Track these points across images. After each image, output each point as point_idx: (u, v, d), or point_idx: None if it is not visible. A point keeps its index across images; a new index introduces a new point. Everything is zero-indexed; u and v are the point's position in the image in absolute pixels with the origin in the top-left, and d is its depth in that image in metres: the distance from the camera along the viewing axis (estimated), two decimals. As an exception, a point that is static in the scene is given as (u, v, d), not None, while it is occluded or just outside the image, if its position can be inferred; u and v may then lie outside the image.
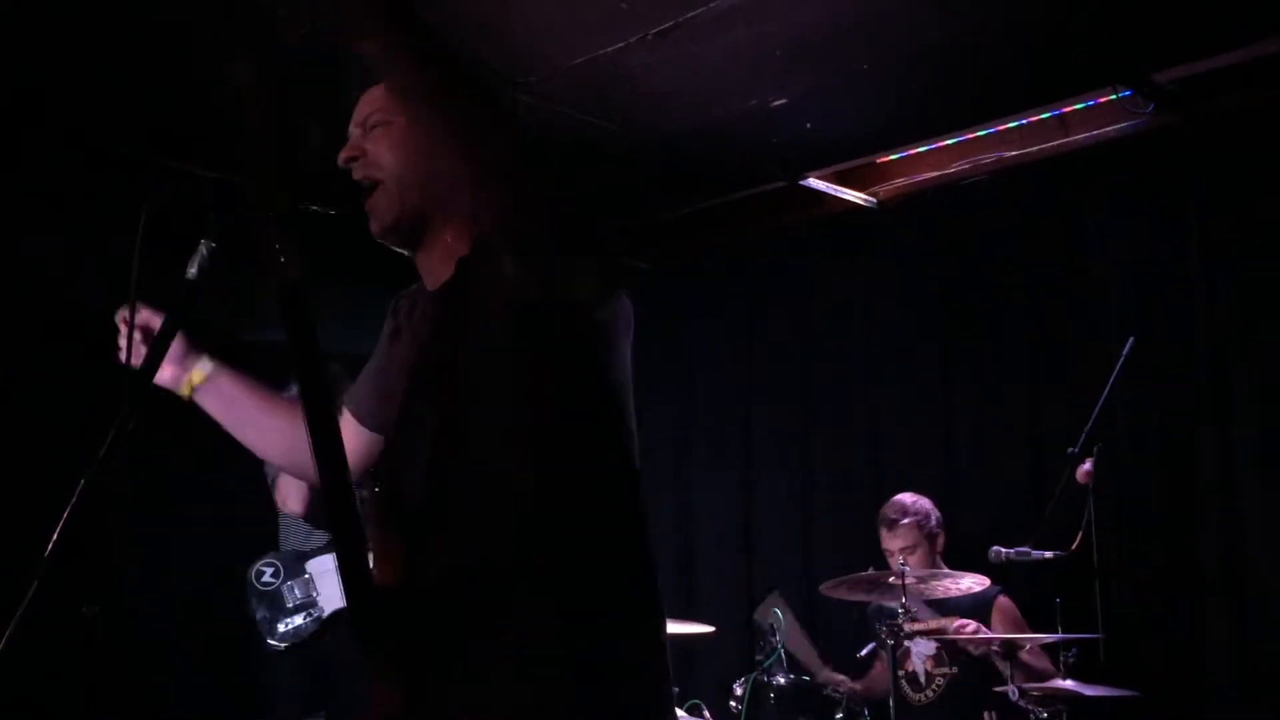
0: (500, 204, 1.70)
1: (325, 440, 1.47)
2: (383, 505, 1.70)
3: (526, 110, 4.15)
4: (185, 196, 1.67)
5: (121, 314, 1.87)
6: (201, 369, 1.96)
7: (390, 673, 1.62)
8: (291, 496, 4.25)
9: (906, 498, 4.31)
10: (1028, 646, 3.74)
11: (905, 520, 4.21)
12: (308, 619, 4.11)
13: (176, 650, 5.09)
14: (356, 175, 1.79)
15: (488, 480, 1.64)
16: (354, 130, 1.82)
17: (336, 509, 1.51)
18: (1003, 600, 4.10)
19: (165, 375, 1.90)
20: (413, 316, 1.89)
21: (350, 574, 1.51)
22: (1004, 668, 3.78)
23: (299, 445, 1.53)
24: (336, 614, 4.11)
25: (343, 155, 1.81)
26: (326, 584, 4.14)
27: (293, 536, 4.31)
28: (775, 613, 3.80)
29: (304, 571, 4.15)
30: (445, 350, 1.72)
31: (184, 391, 1.98)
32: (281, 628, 4.08)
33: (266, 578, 4.14)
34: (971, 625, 3.79)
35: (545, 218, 1.67)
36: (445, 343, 1.73)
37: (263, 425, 1.98)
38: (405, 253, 1.84)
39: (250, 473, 4.18)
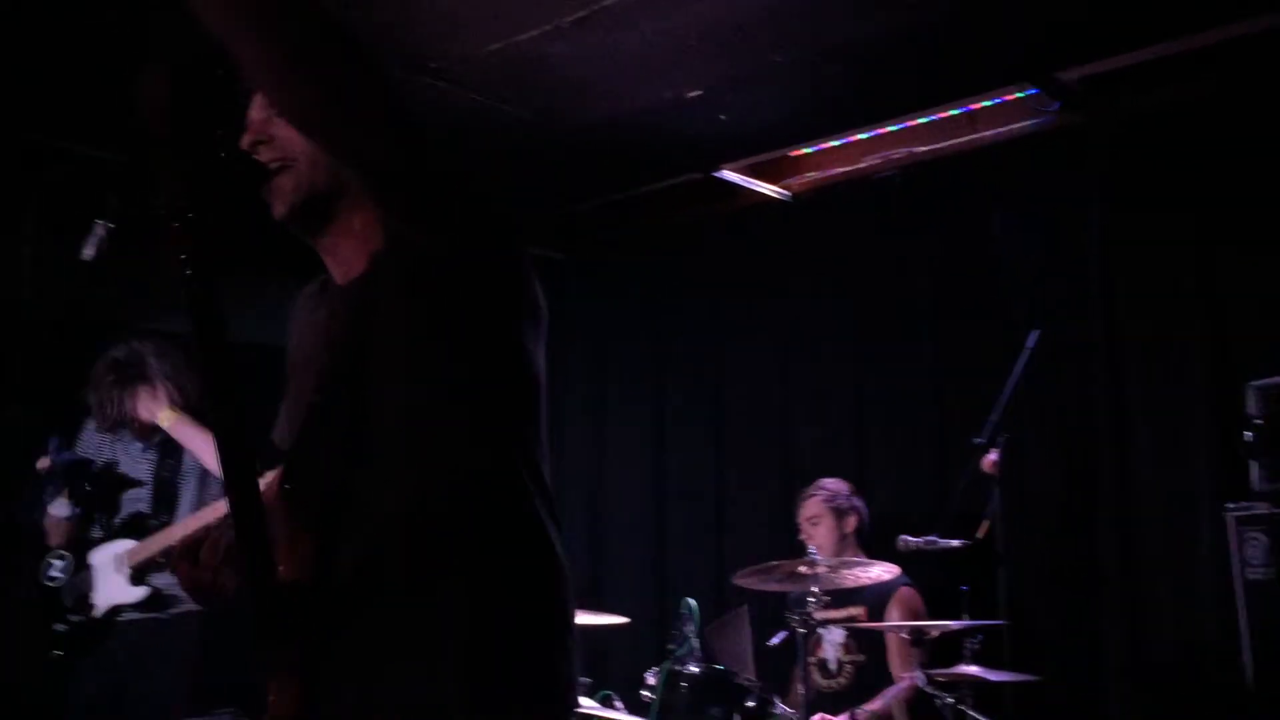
0: (407, 195, 1.68)
1: (229, 441, 1.45)
2: (291, 503, 1.67)
3: (440, 97, 4.10)
4: (80, 178, 1.62)
5: None
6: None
7: (289, 673, 1.59)
8: None
9: (826, 479, 4.46)
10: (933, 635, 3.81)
11: (816, 494, 4.38)
12: (81, 619, 3.79)
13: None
14: (265, 158, 1.73)
15: (390, 481, 1.61)
16: (256, 115, 1.76)
17: (240, 511, 1.48)
18: (904, 591, 4.17)
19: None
20: (317, 313, 1.84)
21: (254, 574, 1.48)
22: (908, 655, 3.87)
23: None
24: (113, 611, 3.78)
25: (248, 139, 1.75)
26: (104, 578, 3.82)
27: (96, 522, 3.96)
28: (688, 602, 3.81)
29: (87, 565, 3.84)
30: (356, 348, 1.69)
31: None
32: (58, 628, 3.76)
33: (54, 572, 3.80)
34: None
35: (455, 210, 1.65)
36: (356, 340, 1.69)
37: None
38: (309, 239, 1.79)
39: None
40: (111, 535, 3.86)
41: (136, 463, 3.96)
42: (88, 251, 1.57)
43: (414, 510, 1.60)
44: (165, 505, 3.90)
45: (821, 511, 4.33)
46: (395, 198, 1.63)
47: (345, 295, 1.76)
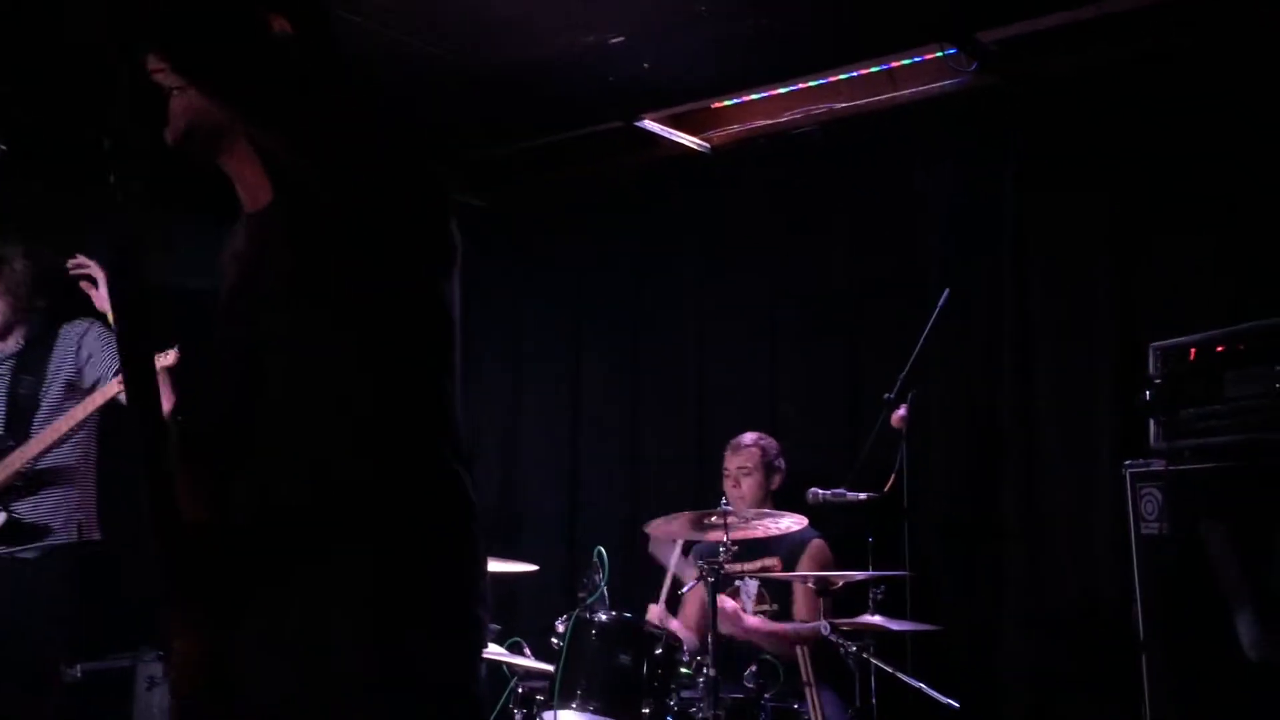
0: (320, 125, 1.63)
1: (137, 376, 1.40)
2: (183, 437, 1.61)
3: (356, 32, 3.98)
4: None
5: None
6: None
7: (192, 619, 1.54)
8: None
9: (754, 433, 4.46)
10: (838, 585, 3.86)
11: (749, 444, 4.38)
12: None
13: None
14: (161, 80, 1.67)
15: (299, 417, 1.57)
16: None
17: (145, 443, 1.42)
18: (816, 543, 4.22)
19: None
20: (236, 244, 1.78)
21: (157, 513, 1.43)
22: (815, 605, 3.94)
23: None
24: None
25: (150, 60, 1.68)
26: None
27: None
28: (599, 550, 3.82)
29: None
30: (263, 277, 1.63)
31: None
32: None
33: None
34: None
35: (372, 142, 1.60)
36: (263, 269, 1.64)
37: None
38: (214, 166, 1.73)
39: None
40: None
41: None
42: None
43: (320, 458, 1.56)
44: (21, 425, 3.63)
45: (755, 464, 4.33)
46: (276, 133, 1.57)
47: (253, 223, 1.71)
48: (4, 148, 1.47)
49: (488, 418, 5.64)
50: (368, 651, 1.53)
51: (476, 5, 3.89)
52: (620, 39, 4.18)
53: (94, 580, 3.73)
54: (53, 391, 3.69)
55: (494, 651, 3.94)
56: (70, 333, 3.74)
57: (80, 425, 3.64)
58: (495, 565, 4.05)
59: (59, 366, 3.70)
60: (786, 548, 4.21)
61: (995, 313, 4.37)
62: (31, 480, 3.59)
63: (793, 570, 4.15)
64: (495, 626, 4.09)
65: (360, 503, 1.56)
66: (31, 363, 3.70)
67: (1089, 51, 4.18)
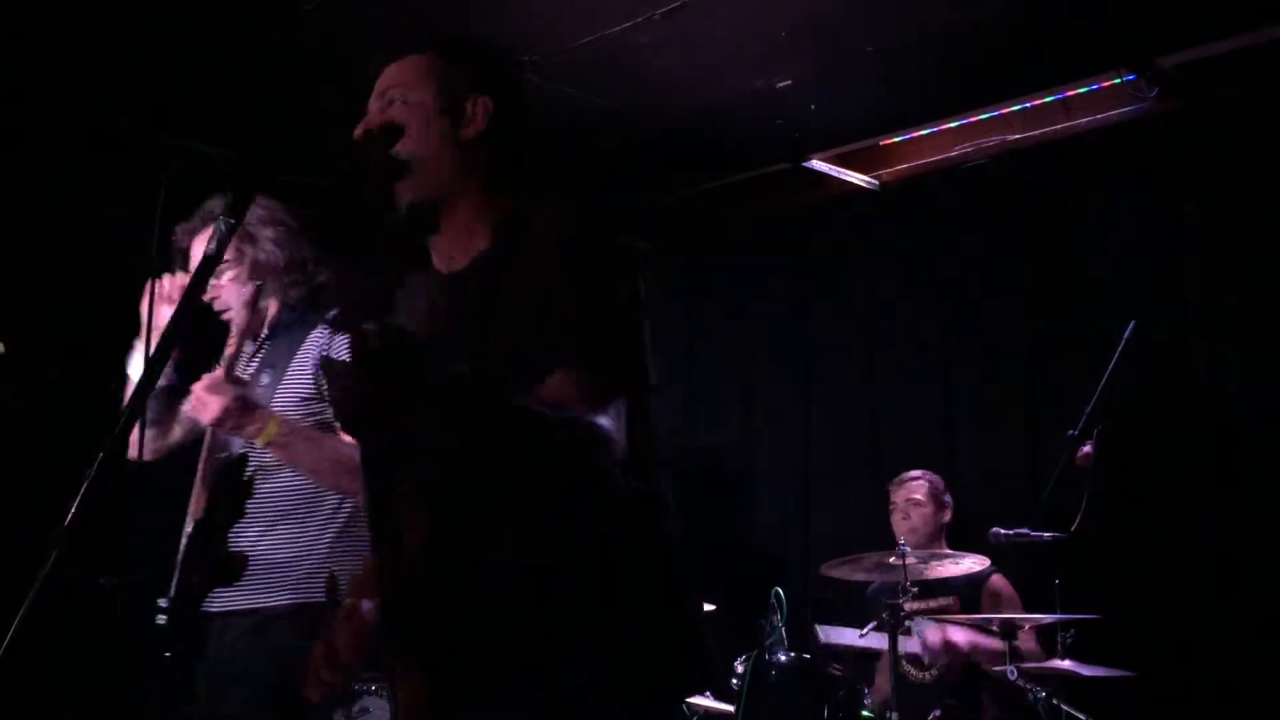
0: (519, 192, 1.73)
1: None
2: (410, 493, 1.69)
3: (532, 91, 4.15)
4: (199, 173, 1.68)
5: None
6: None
7: (415, 668, 1.62)
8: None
9: (920, 470, 4.44)
10: (1026, 628, 3.76)
11: (920, 479, 4.36)
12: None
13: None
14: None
15: (518, 474, 1.62)
16: (373, 104, 1.81)
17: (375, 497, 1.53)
18: (995, 579, 4.12)
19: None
20: (414, 303, 1.84)
21: (387, 564, 1.52)
22: (1001, 647, 3.83)
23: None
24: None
25: (360, 130, 1.79)
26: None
27: None
28: (777, 592, 3.82)
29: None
30: (472, 337, 1.70)
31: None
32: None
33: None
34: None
35: (569, 207, 1.69)
36: (471, 330, 1.71)
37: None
38: (421, 236, 1.82)
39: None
40: None
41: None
42: (209, 246, 1.63)
43: (541, 510, 1.62)
44: None
45: (925, 496, 4.32)
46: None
47: (452, 284, 1.79)
48: (232, 221, 1.58)
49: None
50: (587, 672, 1.59)
51: (646, 59, 4.00)
52: (787, 82, 4.22)
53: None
54: (286, 403, 2.83)
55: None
56: (317, 343, 2.88)
57: None
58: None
59: (298, 376, 2.85)
60: (964, 586, 4.12)
61: (1183, 344, 4.21)
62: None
63: (973, 608, 4.06)
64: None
65: (576, 554, 1.62)
66: (272, 358, 2.90)
67: (1274, 73, 4.01)
